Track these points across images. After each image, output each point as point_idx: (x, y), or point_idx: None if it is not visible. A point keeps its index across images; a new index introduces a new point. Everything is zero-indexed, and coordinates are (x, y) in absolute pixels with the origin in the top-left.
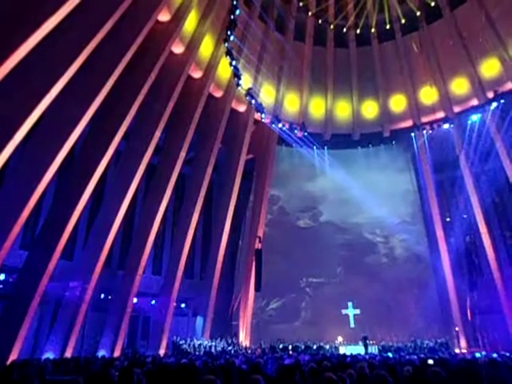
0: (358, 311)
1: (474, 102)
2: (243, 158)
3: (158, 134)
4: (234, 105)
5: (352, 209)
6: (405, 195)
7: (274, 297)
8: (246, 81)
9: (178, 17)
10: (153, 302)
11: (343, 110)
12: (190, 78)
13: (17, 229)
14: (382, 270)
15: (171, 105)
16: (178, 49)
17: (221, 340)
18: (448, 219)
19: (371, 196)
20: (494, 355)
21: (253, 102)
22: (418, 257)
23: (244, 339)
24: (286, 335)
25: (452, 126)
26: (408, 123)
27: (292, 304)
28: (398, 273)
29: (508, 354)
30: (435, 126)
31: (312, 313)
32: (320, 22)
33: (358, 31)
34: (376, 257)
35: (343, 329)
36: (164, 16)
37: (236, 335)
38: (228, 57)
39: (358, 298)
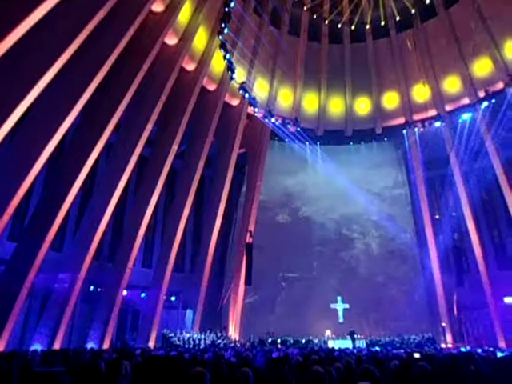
0: (347, 306)
1: (466, 101)
2: (235, 152)
3: (149, 126)
4: (227, 98)
5: (335, 203)
6: (394, 192)
7: (250, 291)
8: (240, 74)
9: (172, 7)
10: (143, 294)
11: (336, 105)
12: (183, 70)
13: (5, 220)
14: (372, 265)
15: (163, 97)
16: (171, 40)
17: (210, 333)
18: (437, 216)
19: (359, 192)
20: (479, 350)
21: (246, 95)
22: (405, 253)
23: (233, 332)
24: (263, 328)
25: (443, 124)
26: (400, 120)
27: (269, 298)
28: (385, 269)
29: (492, 349)
30: (427, 123)
31: (291, 307)
32: (315, 16)
33: (353, 27)
34: (363, 252)
35: (332, 323)
36: (157, 6)
37: (225, 328)
38: (222, 50)
39: (345, 293)
